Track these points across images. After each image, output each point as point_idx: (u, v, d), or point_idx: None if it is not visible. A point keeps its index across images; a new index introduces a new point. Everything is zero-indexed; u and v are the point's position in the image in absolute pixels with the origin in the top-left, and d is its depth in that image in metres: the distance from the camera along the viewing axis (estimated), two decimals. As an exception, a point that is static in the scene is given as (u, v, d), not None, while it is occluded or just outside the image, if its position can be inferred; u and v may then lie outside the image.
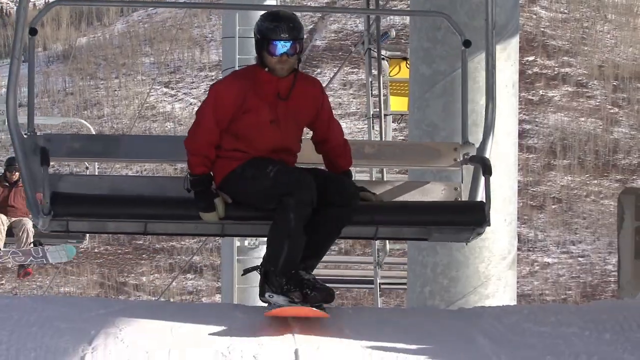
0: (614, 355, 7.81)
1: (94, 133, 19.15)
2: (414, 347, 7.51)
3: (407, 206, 7.81)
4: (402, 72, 17.91)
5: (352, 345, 7.47)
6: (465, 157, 8.00)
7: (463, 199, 8.04)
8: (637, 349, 7.97)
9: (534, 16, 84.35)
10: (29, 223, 19.62)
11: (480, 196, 7.77)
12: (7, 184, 15.91)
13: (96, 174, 18.89)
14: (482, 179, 7.68)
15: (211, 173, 7.59)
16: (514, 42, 9.50)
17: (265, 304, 8.22)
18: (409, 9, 9.80)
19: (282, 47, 7.19)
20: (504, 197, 11.29)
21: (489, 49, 7.53)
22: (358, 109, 61.72)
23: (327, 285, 7.63)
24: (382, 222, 7.84)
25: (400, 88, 18.36)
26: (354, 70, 63.53)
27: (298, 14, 7.48)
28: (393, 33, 19.95)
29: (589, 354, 7.83)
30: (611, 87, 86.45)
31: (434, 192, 8.13)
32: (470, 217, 7.70)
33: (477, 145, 7.95)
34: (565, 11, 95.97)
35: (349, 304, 42.51)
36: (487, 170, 7.52)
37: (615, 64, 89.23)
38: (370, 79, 19.48)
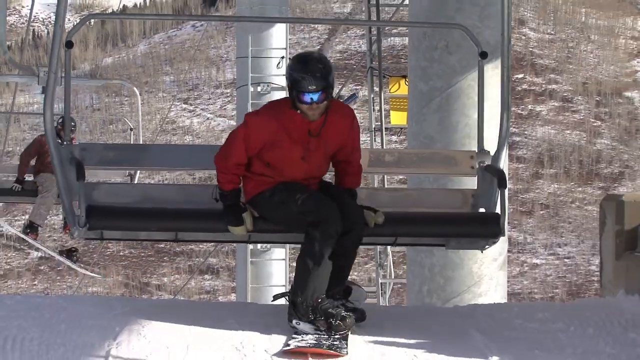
0: (596, 349, 7.79)
1: (137, 92, 18.54)
2: (413, 341, 7.50)
3: (427, 218, 7.52)
4: (402, 89, 17.88)
5: (356, 340, 7.46)
6: (481, 164, 7.73)
7: (478, 207, 7.81)
8: (618, 343, 7.94)
9: (523, 37, 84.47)
10: None
11: (495, 206, 7.55)
12: (59, 140, 15.31)
13: (136, 181, 18.48)
14: (496, 190, 7.44)
15: (240, 187, 7.34)
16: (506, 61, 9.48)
17: (276, 301, 8.35)
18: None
19: (310, 98, 6.91)
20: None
21: (504, 62, 7.32)
22: (361, 122, 61.78)
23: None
24: (403, 234, 7.62)
25: (400, 103, 18.34)
26: (358, 87, 63.55)
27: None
28: (360, 94, 20.10)
29: (573, 347, 7.81)
30: (594, 102, 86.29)
31: (451, 199, 7.91)
32: (486, 228, 7.46)
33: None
34: (552, 32, 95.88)
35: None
36: (502, 182, 7.29)
37: (598, 81, 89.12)
38: (372, 95, 19.51)
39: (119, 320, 8.07)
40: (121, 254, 66.73)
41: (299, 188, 7.19)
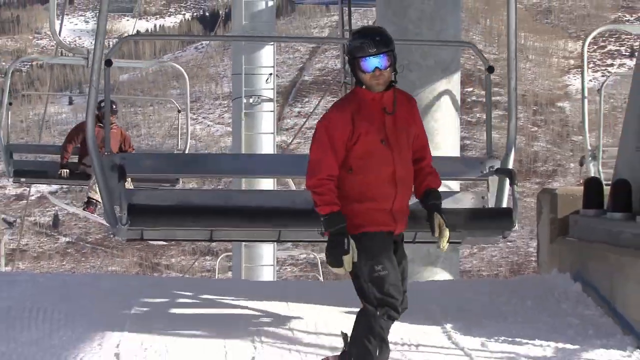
0: (533, 318, 7.81)
1: (185, 76, 17.20)
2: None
3: (445, 213, 6.85)
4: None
5: (332, 311, 7.48)
6: (491, 169, 7.15)
7: (490, 206, 7.26)
8: (552, 313, 7.97)
9: (472, 57, 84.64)
10: None
11: (506, 203, 7.11)
12: (101, 125, 12.44)
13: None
14: (507, 188, 7.06)
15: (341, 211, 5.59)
16: (456, 77, 9.47)
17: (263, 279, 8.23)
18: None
19: (372, 62, 5.53)
20: (450, 196, 11.26)
21: (511, 74, 6.89)
22: (337, 128, 61.63)
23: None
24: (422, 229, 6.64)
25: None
26: (334, 98, 63.59)
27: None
28: None
29: (515, 316, 7.84)
30: (532, 111, 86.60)
31: (464, 200, 7.26)
32: (499, 222, 6.95)
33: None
34: (496, 53, 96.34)
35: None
36: (513, 180, 6.84)
37: (535, 93, 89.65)
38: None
39: (134, 293, 8.06)
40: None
41: (386, 256, 5.59)
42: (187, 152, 15.45)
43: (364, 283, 5.55)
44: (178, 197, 7.07)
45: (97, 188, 10.35)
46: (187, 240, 8.22)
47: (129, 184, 10.01)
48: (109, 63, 6.90)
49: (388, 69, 5.55)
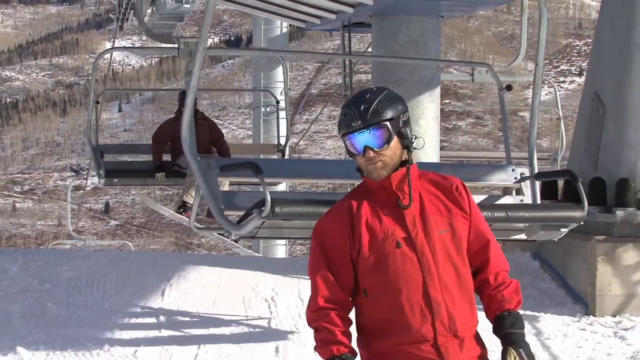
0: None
1: (284, 64, 12.73)
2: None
3: (517, 207, 5.72)
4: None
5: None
6: (522, 175, 6.09)
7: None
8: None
9: (449, 74, 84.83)
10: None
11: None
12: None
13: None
14: (538, 191, 6.05)
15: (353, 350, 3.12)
16: (437, 90, 9.43)
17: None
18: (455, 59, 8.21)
19: (359, 140, 3.09)
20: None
21: (536, 89, 6.01)
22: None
23: None
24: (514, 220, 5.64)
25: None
26: (336, 108, 63.72)
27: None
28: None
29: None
30: (497, 119, 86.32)
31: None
32: (571, 212, 5.67)
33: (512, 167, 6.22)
34: (469, 72, 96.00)
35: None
36: (576, 179, 5.61)
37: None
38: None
39: (171, 268, 8.05)
40: (173, 222, 66.71)
41: None
42: (286, 149, 11.92)
43: None
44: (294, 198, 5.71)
45: (193, 192, 8.57)
46: (295, 239, 7.01)
47: (226, 187, 8.73)
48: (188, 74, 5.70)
49: (387, 147, 3.08)
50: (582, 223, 5.65)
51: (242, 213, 5.29)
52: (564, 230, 5.82)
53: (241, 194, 5.65)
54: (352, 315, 3.11)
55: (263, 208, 4.86)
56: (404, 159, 3.12)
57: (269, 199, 4.88)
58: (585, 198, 5.58)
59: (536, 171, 6.11)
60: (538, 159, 6.24)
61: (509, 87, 6.45)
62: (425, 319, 3.02)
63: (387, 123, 3.07)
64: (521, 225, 5.78)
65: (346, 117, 3.09)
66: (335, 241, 3.13)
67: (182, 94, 9.58)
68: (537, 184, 6.14)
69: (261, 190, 4.90)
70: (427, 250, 3.06)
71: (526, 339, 3.16)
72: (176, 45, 9.08)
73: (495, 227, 5.37)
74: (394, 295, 3.04)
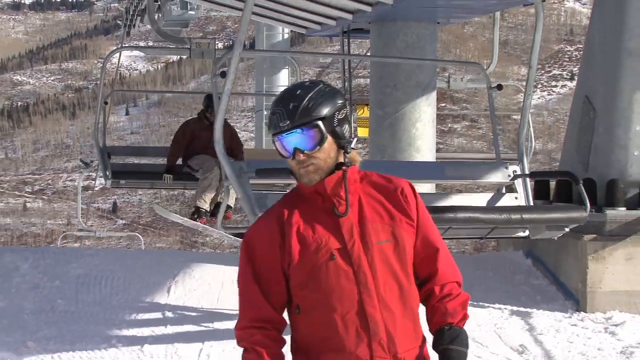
0: (493, 286, 7.80)
1: (296, 66, 12.38)
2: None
3: (522, 208, 5.69)
4: (365, 112, 17.83)
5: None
6: (515, 172, 6.09)
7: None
8: (508, 282, 7.96)
9: (445, 79, 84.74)
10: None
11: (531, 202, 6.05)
12: (208, 122, 9.21)
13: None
14: (530, 189, 6.01)
15: None
16: (434, 94, 9.44)
17: None
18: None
19: (289, 141, 2.60)
20: (425, 191, 11.15)
21: (528, 90, 6.02)
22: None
23: None
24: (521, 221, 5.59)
25: (364, 122, 18.32)
26: (335, 111, 63.72)
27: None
28: None
29: (479, 285, 7.81)
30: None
31: (502, 202, 6.09)
32: (573, 214, 5.72)
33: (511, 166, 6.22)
34: (445, 79, 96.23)
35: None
36: (577, 180, 5.73)
37: (495, 108, 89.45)
38: (345, 117, 19.35)
39: (176, 266, 8.05)
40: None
41: None
42: None
43: None
44: None
45: (207, 197, 8.54)
46: None
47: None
48: (223, 75, 5.40)
49: (319, 148, 2.60)
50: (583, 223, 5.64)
51: None
52: (566, 229, 5.82)
53: (271, 196, 5.50)
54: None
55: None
56: (340, 160, 2.64)
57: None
58: (587, 200, 5.59)
59: (527, 169, 6.11)
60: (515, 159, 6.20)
61: (499, 87, 6.39)
62: (361, 339, 2.57)
63: (319, 122, 2.57)
64: (527, 224, 5.73)
65: (274, 115, 2.59)
66: (265, 251, 2.66)
67: (207, 98, 9.33)
68: (529, 181, 6.13)
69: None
70: (365, 262, 2.58)
71: None
72: (187, 46, 8.96)
73: (500, 225, 5.38)
74: (328, 313, 2.58)
